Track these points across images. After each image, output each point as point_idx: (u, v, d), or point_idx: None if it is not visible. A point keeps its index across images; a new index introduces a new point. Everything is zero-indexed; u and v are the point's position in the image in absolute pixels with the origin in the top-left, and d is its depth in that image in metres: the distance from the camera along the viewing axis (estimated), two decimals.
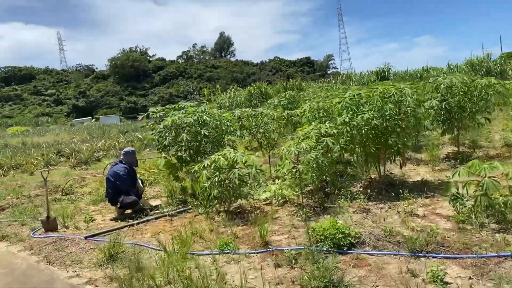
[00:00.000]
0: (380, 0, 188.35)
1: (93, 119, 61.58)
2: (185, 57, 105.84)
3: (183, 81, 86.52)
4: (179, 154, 6.52)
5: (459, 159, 7.94)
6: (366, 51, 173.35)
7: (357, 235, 4.29)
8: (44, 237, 5.87)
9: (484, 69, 26.95)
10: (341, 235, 4.08)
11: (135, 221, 6.06)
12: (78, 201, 8.27)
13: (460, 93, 7.55)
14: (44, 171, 6.43)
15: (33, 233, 6.14)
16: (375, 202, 5.85)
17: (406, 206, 5.46)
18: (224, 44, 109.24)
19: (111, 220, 6.54)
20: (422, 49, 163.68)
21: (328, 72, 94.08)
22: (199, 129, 6.57)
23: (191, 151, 6.68)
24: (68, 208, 7.32)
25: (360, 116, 5.88)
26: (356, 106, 6.13)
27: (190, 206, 6.45)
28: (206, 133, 6.48)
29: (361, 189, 6.55)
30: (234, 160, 5.38)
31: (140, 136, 20.36)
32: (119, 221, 6.39)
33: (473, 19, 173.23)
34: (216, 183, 5.46)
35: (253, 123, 7.87)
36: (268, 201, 6.27)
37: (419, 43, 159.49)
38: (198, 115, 6.57)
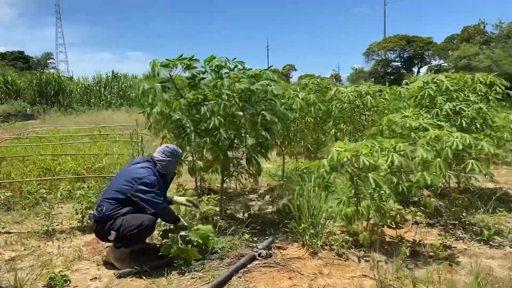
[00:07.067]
0: (94, 9, 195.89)
1: None
2: None
3: None
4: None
5: None
6: (79, 56, 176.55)
7: None
8: None
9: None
10: None
11: (220, 275, 2.96)
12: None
13: None
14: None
15: None
16: None
17: None
18: None
19: (118, 276, 3.08)
20: (135, 63, 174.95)
21: (46, 71, 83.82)
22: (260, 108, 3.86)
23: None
24: None
25: None
26: None
27: (272, 236, 3.74)
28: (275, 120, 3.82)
29: None
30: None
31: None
32: (133, 277, 3.03)
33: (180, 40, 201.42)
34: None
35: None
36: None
37: (132, 57, 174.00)
38: (264, 82, 3.81)
